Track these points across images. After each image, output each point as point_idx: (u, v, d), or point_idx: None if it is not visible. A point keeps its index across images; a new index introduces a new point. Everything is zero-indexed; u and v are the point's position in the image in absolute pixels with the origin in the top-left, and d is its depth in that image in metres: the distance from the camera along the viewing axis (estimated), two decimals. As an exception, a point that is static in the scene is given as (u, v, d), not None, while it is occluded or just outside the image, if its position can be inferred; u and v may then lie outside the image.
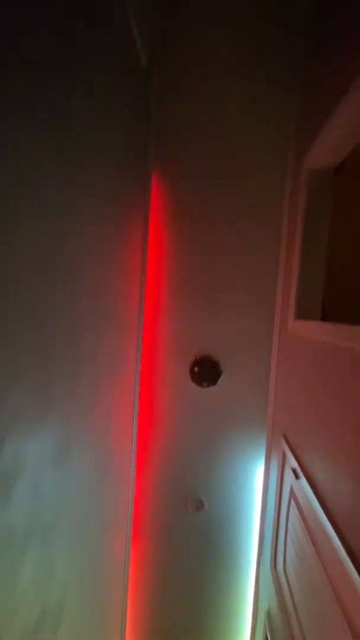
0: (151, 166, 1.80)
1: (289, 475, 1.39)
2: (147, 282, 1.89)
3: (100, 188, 1.14)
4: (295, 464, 1.28)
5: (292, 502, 1.35)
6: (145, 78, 1.67)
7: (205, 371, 1.93)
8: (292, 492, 1.37)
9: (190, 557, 2.02)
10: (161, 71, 1.76)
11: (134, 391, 1.87)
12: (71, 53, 0.82)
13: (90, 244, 1.07)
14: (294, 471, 1.27)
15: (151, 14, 1.64)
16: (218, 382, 1.92)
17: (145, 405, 1.96)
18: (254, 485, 1.95)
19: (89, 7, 0.92)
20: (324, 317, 1.56)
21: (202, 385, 1.94)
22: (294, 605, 1.24)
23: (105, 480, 1.44)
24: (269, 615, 1.63)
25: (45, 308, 0.78)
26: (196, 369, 1.93)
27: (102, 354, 1.27)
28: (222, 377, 1.93)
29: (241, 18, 1.73)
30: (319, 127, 1.23)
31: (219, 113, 1.79)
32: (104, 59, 1.08)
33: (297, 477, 1.24)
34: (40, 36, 0.67)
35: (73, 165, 0.89)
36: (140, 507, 2.01)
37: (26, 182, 0.66)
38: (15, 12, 0.58)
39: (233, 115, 1.78)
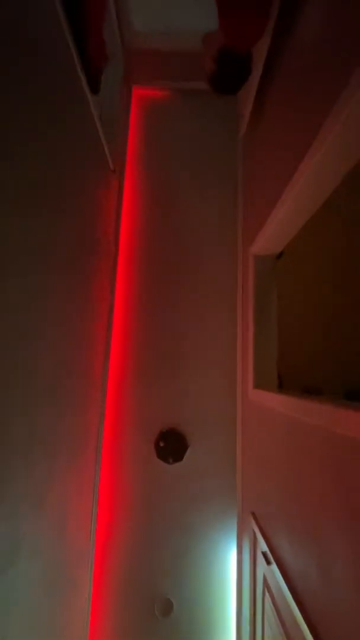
0: (118, 250, 1.97)
1: (261, 560, 1.30)
2: (111, 354, 1.90)
3: (63, 261, 1.21)
4: (265, 547, 1.21)
5: (266, 593, 1.25)
6: (114, 178, 1.91)
7: (171, 445, 1.87)
8: (265, 580, 1.27)
9: None
10: (128, 177, 2.05)
11: (94, 473, 1.74)
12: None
13: (53, 321, 1.11)
14: (265, 555, 1.20)
15: (121, 136, 1.96)
16: (185, 457, 1.86)
17: (107, 488, 1.82)
18: (228, 574, 1.77)
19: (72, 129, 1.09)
20: (281, 385, 1.65)
21: (168, 462, 1.85)
22: None
23: (58, 587, 1.25)
24: None
25: None
26: (162, 443, 1.87)
27: (60, 434, 1.21)
28: (189, 451, 1.87)
29: (194, 142, 2.12)
30: (256, 230, 1.46)
31: (178, 213, 2.06)
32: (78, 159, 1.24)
33: (268, 562, 1.16)
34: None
35: (41, 236, 0.96)
36: (99, 616, 1.72)
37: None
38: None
39: (189, 215, 2.06)
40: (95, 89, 1.44)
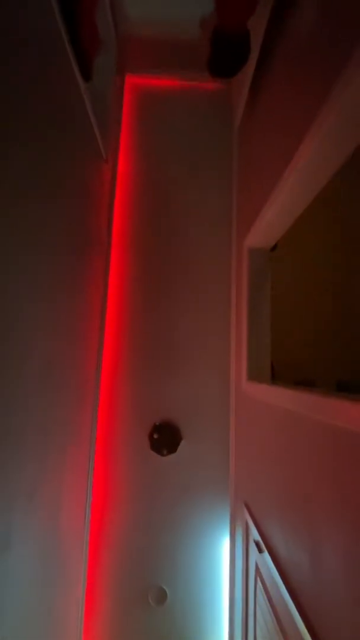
0: (111, 241, 1.94)
1: (253, 549, 1.32)
2: (105, 348, 1.90)
3: (54, 252, 1.19)
4: (257, 536, 1.23)
5: (258, 580, 1.27)
6: (106, 169, 1.88)
7: (165, 438, 1.88)
8: (257, 568, 1.29)
9: (154, 665, 1.73)
10: (121, 167, 2.02)
11: (88, 465, 1.74)
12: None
13: (44, 313, 1.09)
14: (257, 544, 1.22)
15: (114, 126, 1.92)
16: (178, 449, 1.87)
17: (101, 480, 1.83)
18: (220, 564, 1.80)
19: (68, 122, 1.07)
20: (275, 377, 1.66)
21: (162, 454, 1.87)
22: None
23: (52, 578, 1.26)
24: None
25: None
26: (155, 435, 1.88)
27: (52, 426, 1.21)
28: (182, 443, 1.88)
29: (189, 132, 2.09)
30: (250, 222, 1.45)
31: (171, 204, 2.04)
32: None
33: (260, 550, 1.18)
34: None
35: (30, 232, 0.94)
36: (94, 606, 1.74)
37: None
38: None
39: (183, 206, 2.05)
40: (87, 76, 1.41)
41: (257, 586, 1.28)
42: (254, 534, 1.27)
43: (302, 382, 1.80)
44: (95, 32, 1.45)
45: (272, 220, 1.31)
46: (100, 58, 1.56)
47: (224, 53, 1.41)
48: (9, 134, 0.82)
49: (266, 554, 1.12)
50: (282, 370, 1.84)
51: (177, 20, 1.97)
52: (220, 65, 1.47)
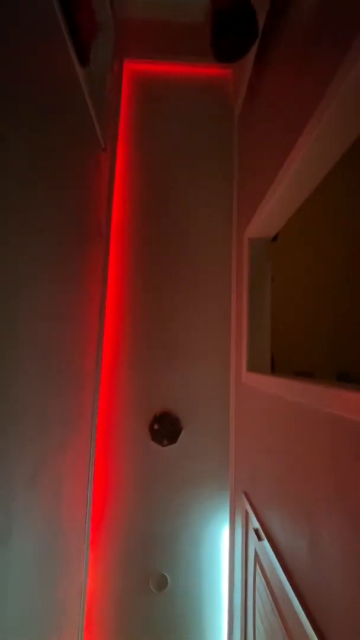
0: (110, 234, 1.93)
1: (252, 537, 1.34)
2: (105, 338, 1.89)
3: (52, 243, 1.18)
4: (257, 524, 1.25)
5: (257, 568, 1.29)
6: (105, 158, 1.85)
7: (166, 428, 1.89)
8: (256, 555, 1.31)
9: (155, 648, 1.78)
10: (120, 157, 1.99)
11: (89, 455, 1.76)
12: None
13: (43, 302, 1.09)
14: (257, 532, 1.24)
15: (112, 115, 1.88)
16: (178, 440, 1.88)
17: (102, 469, 1.84)
18: (220, 551, 1.83)
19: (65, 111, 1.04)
20: (274, 368, 1.66)
21: (162, 444, 1.88)
22: None
23: (54, 565, 1.28)
24: None
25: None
26: (156, 426, 1.89)
27: (53, 415, 1.22)
28: (182, 433, 1.89)
29: (191, 122, 2.05)
30: (251, 213, 1.43)
31: (171, 194, 2.02)
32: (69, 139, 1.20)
33: (259, 538, 1.20)
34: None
35: (33, 218, 0.93)
36: (96, 591, 1.78)
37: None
38: None
39: (183, 196, 2.02)
40: (84, 61, 1.38)
41: (256, 572, 1.30)
42: (254, 522, 1.29)
43: (302, 373, 1.81)
44: (92, 15, 1.41)
45: (273, 210, 1.30)
46: (97, 43, 1.52)
47: (226, 33, 1.32)
48: (1, 120, 0.80)
49: (265, 542, 1.13)
50: (282, 361, 1.84)
51: (177, 2, 1.92)
52: (223, 47, 1.37)
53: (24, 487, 0.97)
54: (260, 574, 1.25)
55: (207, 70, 2.06)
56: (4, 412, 0.85)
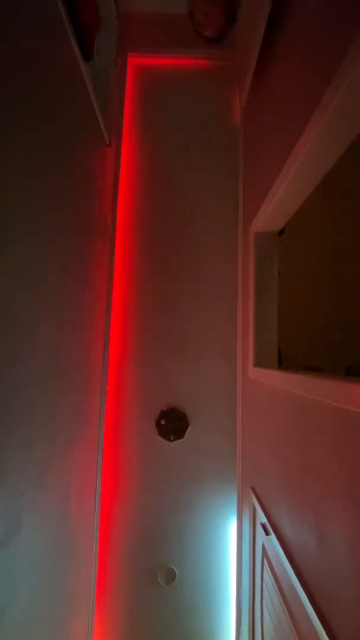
0: (115, 229, 1.92)
1: (260, 532, 1.34)
2: (112, 334, 1.90)
3: (59, 239, 1.19)
4: (264, 519, 1.25)
5: (265, 562, 1.29)
6: (110, 152, 1.84)
7: (173, 424, 1.90)
8: (264, 550, 1.31)
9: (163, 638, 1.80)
10: (124, 151, 1.98)
11: (97, 450, 1.77)
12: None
13: (49, 299, 1.09)
14: (264, 526, 1.23)
15: (117, 111, 1.87)
16: (185, 435, 1.89)
17: (110, 465, 1.86)
18: (227, 545, 1.84)
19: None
20: (282, 363, 1.65)
21: (169, 439, 1.89)
22: None
23: (64, 558, 1.30)
24: None
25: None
26: (163, 421, 1.90)
27: (61, 412, 1.23)
28: (189, 429, 1.90)
29: (194, 120, 2.03)
30: (257, 207, 1.42)
31: (177, 188, 2.01)
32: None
33: (266, 533, 1.20)
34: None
35: (41, 210, 0.93)
36: (105, 584, 1.80)
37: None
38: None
39: (189, 190, 2.01)
40: (87, 55, 1.37)
41: (264, 567, 1.31)
42: (261, 517, 1.29)
43: (310, 367, 1.79)
44: (95, 7, 1.40)
45: (279, 203, 1.28)
46: (100, 37, 1.51)
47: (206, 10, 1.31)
48: (4, 117, 0.80)
49: (273, 536, 1.13)
50: (289, 356, 1.83)
51: (180, -5, 1.89)
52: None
53: (33, 482, 0.99)
54: (268, 568, 1.25)
55: (212, 63, 2.03)
56: (14, 410, 0.86)
